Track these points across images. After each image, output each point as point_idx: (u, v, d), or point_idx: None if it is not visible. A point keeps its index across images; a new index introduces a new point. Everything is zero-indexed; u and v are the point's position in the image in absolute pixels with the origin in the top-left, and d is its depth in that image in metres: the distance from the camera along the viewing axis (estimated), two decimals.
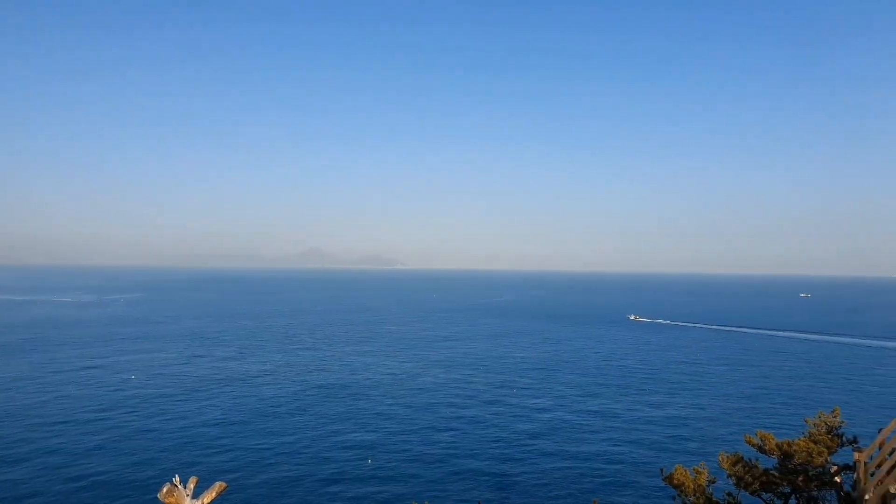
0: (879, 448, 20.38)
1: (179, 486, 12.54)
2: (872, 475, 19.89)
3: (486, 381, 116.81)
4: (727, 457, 30.59)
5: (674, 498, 29.83)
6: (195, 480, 12.99)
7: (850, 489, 24.38)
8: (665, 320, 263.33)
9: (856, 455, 19.99)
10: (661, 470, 31.27)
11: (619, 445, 75.65)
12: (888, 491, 19.65)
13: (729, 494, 29.30)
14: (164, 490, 12.38)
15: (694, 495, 28.47)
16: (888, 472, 19.87)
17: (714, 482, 29.58)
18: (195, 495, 12.84)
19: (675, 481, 29.17)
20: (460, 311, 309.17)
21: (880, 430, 20.56)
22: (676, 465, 30.26)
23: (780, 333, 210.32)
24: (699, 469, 29.60)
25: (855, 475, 20.34)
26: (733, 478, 29.89)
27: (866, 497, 19.55)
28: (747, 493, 29.58)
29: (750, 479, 29.25)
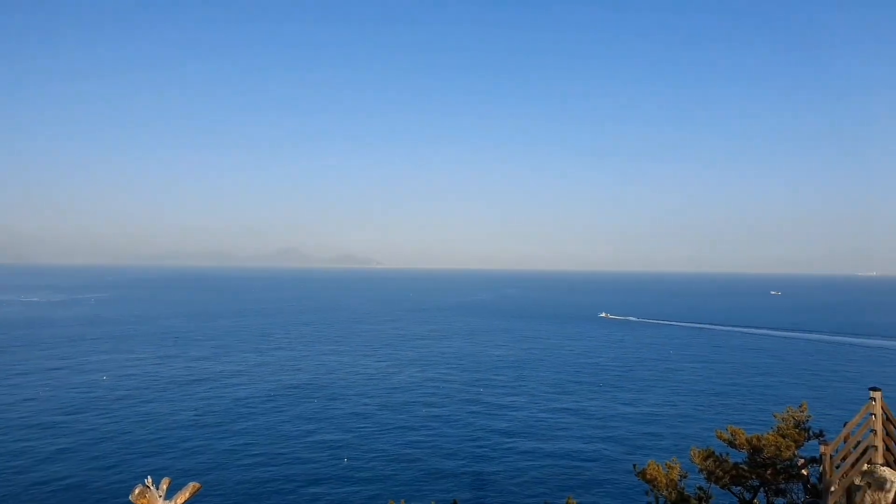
0: (844, 441, 20.88)
1: (152, 488, 12.40)
2: (838, 467, 20.38)
3: (462, 379, 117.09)
4: (699, 451, 31.10)
5: (647, 493, 30.25)
6: (168, 481, 12.86)
7: (816, 481, 24.96)
8: (636, 318, 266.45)
9: (822, 448, 20.46)
10: (634, 466, 31.70)
11: (593, 443, 76.39)
12: (853, 483, 20.15)
13: (700, 488, 29.80)
14: (136, 491, 12.24)
15: (666, 490, 28.92)
16: (853, 465, 20.37)
17: (686, 477, 30.06)
18: (168, 496, 12.72)
19: (648, 476, 29.60)
20: (436, 310, 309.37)
21: (845, 424, 21.07)
22: (649, 461, 30.70)
23: (751, 330, 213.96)
24: (671, 464, 30.06)
25: (821, 468, 20.83)
26: (704, 472, 30.41)
27: (832, 489, 20.03)
28: (718, 487, 30.12)
29: (721, 473, 29.79)
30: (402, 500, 25.76)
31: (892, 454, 20.65)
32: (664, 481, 29.10)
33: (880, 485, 19.28)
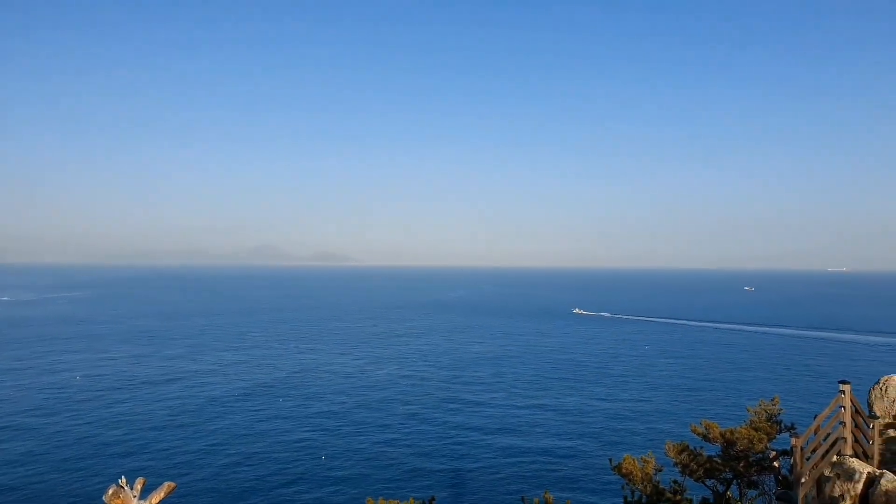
0: (815, 433, 21.26)
1: (126, 488, 12.25)
2: (808, 459, 20.76)
3: (439, 377, 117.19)
4: (673, 445, 31.48)
5: (623, 487, 30.54)
6: (142, 481, 12.71)
7: (787, 473, 25.41)
8: (609, 314, 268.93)
9: (793, 440, 20.81)
10: (610, 460, 31.96)
11: (570, 439, 76.96)
12: (822, 474, 20.56)
13: (675, 482, 30.15)
14: (110, 492, 12.07)
15: (642, 483, 29.23)
16: (822, 457, 20.77)
17: (661, 470, 30.40)
18: (142, 496, 12.58)
19: (624, 470, 29.88)
20: (414, 307, 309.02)
21: (816, 417, 21.47)
22: (625, 455, 30.99)
23: (725, 326, 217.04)
24: (647, 458, 30.38)
25: (792, 460, 21.20)
26: (679, 465, 30.79)
27: (802, 480, 20.41)
28: (692, 480, 30.52)
29: (695, 466, 30.19)
30: (381, 499, 25.70)
31: (861, 446, 21.10)
32: (639, 475, 29.41)
33: (849, 475, 19.69)
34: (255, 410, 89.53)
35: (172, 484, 13.05)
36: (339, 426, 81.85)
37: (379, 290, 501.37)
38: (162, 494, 12.78)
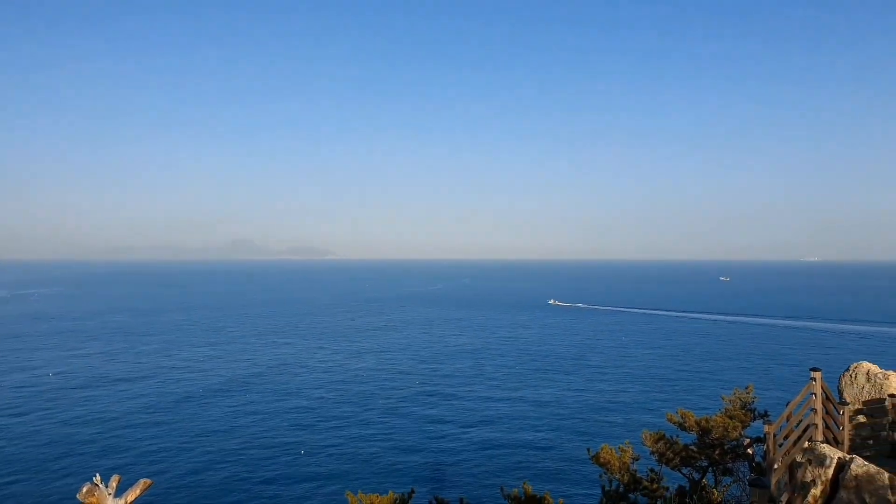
0: (787, 420, 21.64)
1: (100, 485, 12.09)
2: (780, 446, 21.13)
3: (418, 370, 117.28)
4: (650, 434, 31.88)
5: (600, 476, 30.83)
6: (117, 479, 12.55)
7: (760, 459, 25.87)
8: (584, 304, 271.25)
9: (766, 428, 21.15)
10: (588, 450, 32.23)
11: (548, 431, 77.52)
12: (795, 460, 20.95)
13: (651, 470, 30.50)
14: (84, 490, 11.91)
15: (619, 472, 29.52)
16: (794, 443, 21.16)
17: (638, 459, 30.74)
18: (118, 494, 12.42)
19: (602, 460, 30.14)
20: (393, 300, 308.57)
21: (788, 404, 21.86)
22: (602, 445, 31.28)
23: (701, 316, 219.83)
24: (624, 447, 30.69)
25: (765, 446, 21.56)
26: (656, 454, 31.21)
27: (775, 466, 20.77)
28: (669, 468, 30.95)
29: (671, 454, 30.63)
30: (360, 493, 25.68)
31: (832, 431, 21.54)
32: (617, 464, 29.70)
33: (820, 461, 20.08)
34: (233, 406, 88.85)
35: (148, 481, 12.92)
36: (318, 421, 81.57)
37: (358, 284, 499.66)
38: (137, 492, 12.64)
